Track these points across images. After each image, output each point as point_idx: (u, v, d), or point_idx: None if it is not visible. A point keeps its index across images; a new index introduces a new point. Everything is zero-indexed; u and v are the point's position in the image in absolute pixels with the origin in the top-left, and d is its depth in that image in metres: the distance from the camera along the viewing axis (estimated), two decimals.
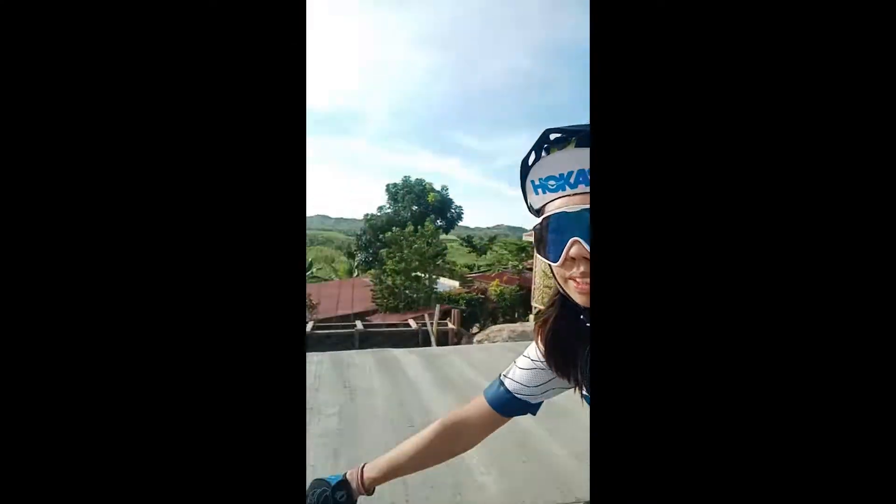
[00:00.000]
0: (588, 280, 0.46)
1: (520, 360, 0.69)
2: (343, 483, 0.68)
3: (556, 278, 0.52)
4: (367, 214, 24.21)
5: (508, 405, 0.69)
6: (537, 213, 0.52)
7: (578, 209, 0.46)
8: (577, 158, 0.46)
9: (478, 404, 0.72)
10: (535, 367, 0.66)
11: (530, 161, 0.50)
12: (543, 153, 0.49)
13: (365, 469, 0.69)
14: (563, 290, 0.52)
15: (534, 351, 0.66)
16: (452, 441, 0.71)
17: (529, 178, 0.50)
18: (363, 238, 23.14)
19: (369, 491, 0.69)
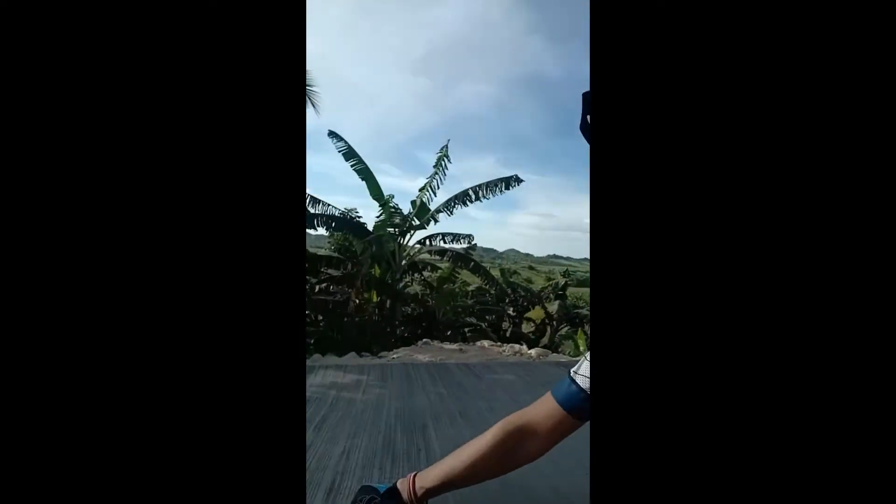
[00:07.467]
0: None
1: (589, 353, 0.61)
2: (393, 491, 0.63)
3: None
4: None
5: (583, 405, 0.58)
6: None
7: None
8: None
9: (545, 406, 0.62)
10: None
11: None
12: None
13: (416, 478, 0.63)
14: None
15: None
16: (517, 448, 0.61)
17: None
18: None
19: (421, 502, 0.63)
